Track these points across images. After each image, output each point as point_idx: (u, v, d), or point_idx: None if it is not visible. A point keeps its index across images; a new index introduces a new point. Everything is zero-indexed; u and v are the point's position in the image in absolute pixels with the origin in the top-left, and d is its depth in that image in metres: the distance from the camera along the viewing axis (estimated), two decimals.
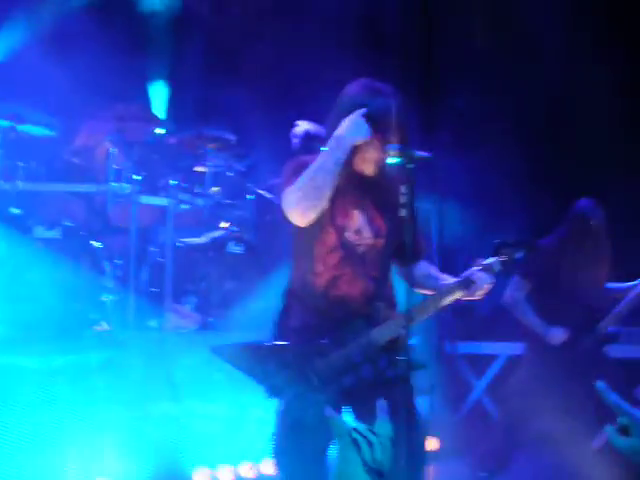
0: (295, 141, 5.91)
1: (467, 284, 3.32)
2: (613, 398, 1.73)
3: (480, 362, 7.68)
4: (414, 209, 3.27)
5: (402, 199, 3.17)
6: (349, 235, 3.36)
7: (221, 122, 6.50)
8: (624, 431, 1.77)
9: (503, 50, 8.13)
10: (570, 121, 7.94)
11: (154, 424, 4.86)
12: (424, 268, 3.52)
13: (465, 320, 7.96)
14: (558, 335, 5.33)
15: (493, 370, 7.47)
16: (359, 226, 3.38)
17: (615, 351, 5.80)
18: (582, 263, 5.42)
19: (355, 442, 1.66)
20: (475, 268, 3.33)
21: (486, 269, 3.33)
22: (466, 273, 3.35)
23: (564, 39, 7.76)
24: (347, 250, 3.35)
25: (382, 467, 1.65)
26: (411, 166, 3.16)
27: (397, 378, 3.22)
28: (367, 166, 3.37)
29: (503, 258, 3.34)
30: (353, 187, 3.37)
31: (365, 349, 3.29)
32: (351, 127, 3.25)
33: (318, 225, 3.34)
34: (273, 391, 3.33)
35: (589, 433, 5.88)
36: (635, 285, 5.40)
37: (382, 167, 3.36)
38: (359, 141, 3.26)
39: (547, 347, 5.39)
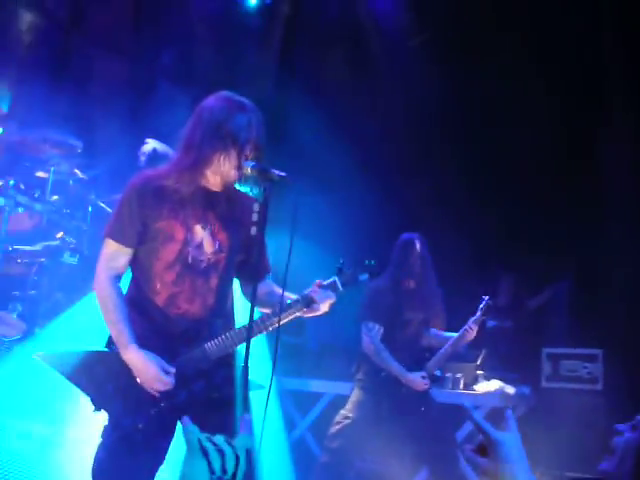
0: (142, 159, 5.78)
1: (307, 302, 3.34)
2: (476, 416, 1.73)
3: (306, 399, 7.68)
4: (264, 227, 3.25)
5: (254, 217, 3.14)
6: (190, 250, 3.29)
7: (69, 129, 6.28)
8: (482, 451, 1.76)
9: (355, 88, 8.32)
10: (418, 162, 8.24)
11: None
12: (267, 286, 3.51)
13: (293, 357, 7.95)
14: (418, 382, 5.36)
15: (318, 408, 7.48)
16: (201, 241, 3.32)
17: (440, 396, 5.95)
18: (414, 300, 5.50)
19: (204, 450, 1.57)
20: (316, 286, 3.35)
21: (327, 287, 3.36)
22: (307, 291, 3.36)
23: (417, 82, 8.06)
24: (186, 266, 3.28)
25: (233, 479, 1.57)
26: (266, 184, 3.16)
27: (231, 396, 3.18)
28: (218, 180, 3.32)
29: (345, 278, 3.38)
30: (198, 200, 3.32)
31: (198, 364, 3.22)
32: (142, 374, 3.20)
33: (157, 241, 3.28)
34: (101, 402, 3.19)
35: (409, 474, 5.99)
36: (460, 332, 5.54)
37: (231, 182, 3.32)
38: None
39: (372, 388, 5.43)
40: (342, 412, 5.55)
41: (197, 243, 3.31)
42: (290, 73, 8.25)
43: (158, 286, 3.28)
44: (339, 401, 6.70)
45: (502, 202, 8.07)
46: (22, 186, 5.64)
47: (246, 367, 2.95)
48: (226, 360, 3.29)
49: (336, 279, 3.38)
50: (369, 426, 5.33)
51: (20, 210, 5.62)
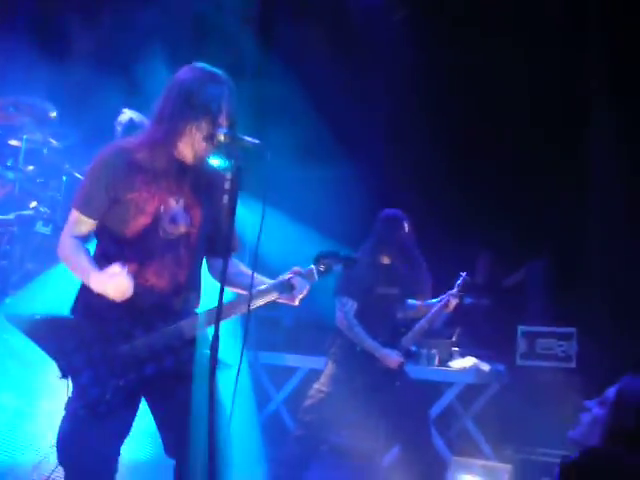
0: (118, 129, 5.71)
1: (286, 287, 3.32)
2: None
3: (280, 373, 7.68)
4: (236, 198, 3.14)
5: (226, 185, 3.08)
6: (164, 223, 3.25)
7: (43, 98, 6.18)
8: None
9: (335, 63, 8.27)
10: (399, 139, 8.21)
11: None
12: (235, 265, 3.46)
13: (268, 330, 7.94)
14: (393, 358, 5.34)
15: (293, 382, 7.49)
16: (174, 214, 3.27)
17: (415, 372, 5.95)
18: (391, 275, 5.46)
19: None
20: (294, 273, 3.33)
21: (305, 275, 3.34)
22: (285, 277, 3.34)
23: (399, 59, 8.01)
24: (157, 239, 3.24)
25: None
26: (239, 151, 3.10)
27: (193, 372, 3.15)
28: (191, 151, 3.27)
29: (322, 267, 3.38)
30: (172, 173, 3.27)
31: (170, 340, 3.19)
32: (111, 288, 3.15)
33: (127, 213, 3.23)
34: (68, 370, 3.14)
35: (382, 448, 6.01)
36: (438, 301, 5.53)
37: (205, 154, 3.29)
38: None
39: (347, 362, 5.41)
40: (316, 386, 5.53)
41: (170, 216, 3.27)
42: (269, 47, 8.15)
43: (127, 258, 3.23)
44: (314, 375, 6.69)
45: (479, 180, 8.07)
46: None
47: (216, 345, 2.90)
48: (196, 337, 3.24)
49: (313, 268, 3.38)
50: (343, 400, 5.30)
51: None
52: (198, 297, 3.40)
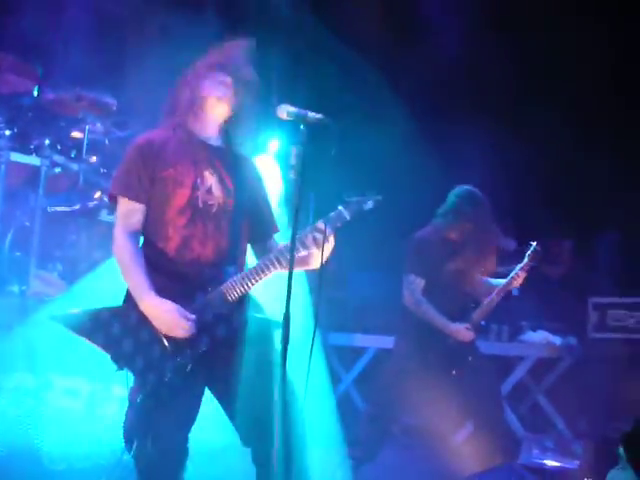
0: None
1: (308, 240, 3.24)
2: None
3: (349, 354, 7.67)
4: (303, 174, 3.09)
5: (292, 161, 3.10)
6: (201, 194, 3.31)
7: (103, 88, 6.25)
8: None
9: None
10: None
11: (8, 397, 4.57)
12: (276, 244, 3.49)
13: (336, 311, 7.93)
14: (464, 332, 5.28)
15: (362, 362, 7.47)
16: (210, 185, 3.35)
17: (484, 347, 5.88)
18: (463, 253, 5.38)
19: None
20: (322, 221, 3.26)
21: (335, 217, 3.26)
22: (311, 226, 3.27)
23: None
24: (197, 210, 3.30)
25: None
26: (303, 127, 3.09)
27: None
28: (210, 128, 3.43)
29: (351, 208, 3.27)
30: (201, 149, 3.39)
31: (217, 308, 3.21)
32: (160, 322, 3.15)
33: (167, 189, 3.30)
34: (122, 360, 3.15)
35: (454, 426, 5.96)
36: (507, 279, 5.43)
37: (228, 133, 3.44)
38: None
39: (418, 340, 5.35)
40: (387, 365, 5.50)
41: (207, 188, 3.34)
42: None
43: (170, 232, 3.28)
44: (383, 355, 6.68)
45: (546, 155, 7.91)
46: (58, 146, 5.65)
47: (287, 313, 2.90)
48: (241, 303, 3.26)
49: (341, 210, 3.26)
50: (414, 378, 5.24)
51: (57, 170, 5.63)
52: (240, 271, 3.37)
